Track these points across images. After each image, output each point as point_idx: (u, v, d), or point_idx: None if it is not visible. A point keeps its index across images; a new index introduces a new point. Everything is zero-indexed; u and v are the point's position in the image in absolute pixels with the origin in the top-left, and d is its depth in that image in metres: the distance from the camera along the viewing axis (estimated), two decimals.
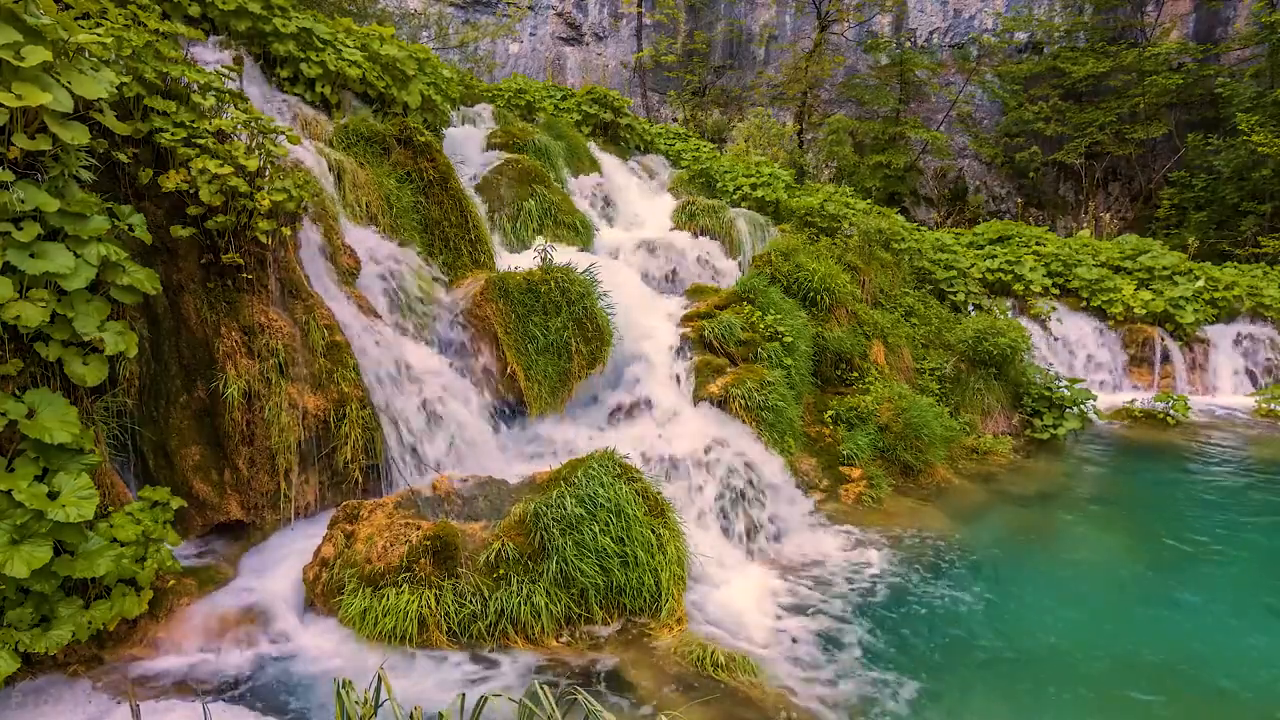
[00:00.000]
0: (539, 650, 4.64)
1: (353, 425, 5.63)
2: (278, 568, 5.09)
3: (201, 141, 5.19)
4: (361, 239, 6.87)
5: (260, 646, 4.51)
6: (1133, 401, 11.74)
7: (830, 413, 8.50)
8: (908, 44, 23.79)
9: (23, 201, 4.08)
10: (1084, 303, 14.53)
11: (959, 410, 9.77)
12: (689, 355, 8.00)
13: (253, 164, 5.24)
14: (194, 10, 7.42)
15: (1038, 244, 15.53)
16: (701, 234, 10.82)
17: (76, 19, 5.02)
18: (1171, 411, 11.24)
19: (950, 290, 12.58)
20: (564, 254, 7.99)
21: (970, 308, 12.63)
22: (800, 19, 24.96)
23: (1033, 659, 4.94)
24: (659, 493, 5.54)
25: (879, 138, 22.55)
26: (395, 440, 5.95)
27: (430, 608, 4.60)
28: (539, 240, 8.08)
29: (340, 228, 6.64)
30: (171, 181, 4.97)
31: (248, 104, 6.16)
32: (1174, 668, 4.89)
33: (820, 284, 9.44)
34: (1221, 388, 13.69)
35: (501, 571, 4.80)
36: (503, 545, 4.88)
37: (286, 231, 5.59)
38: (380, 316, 6.57)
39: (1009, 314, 13.23)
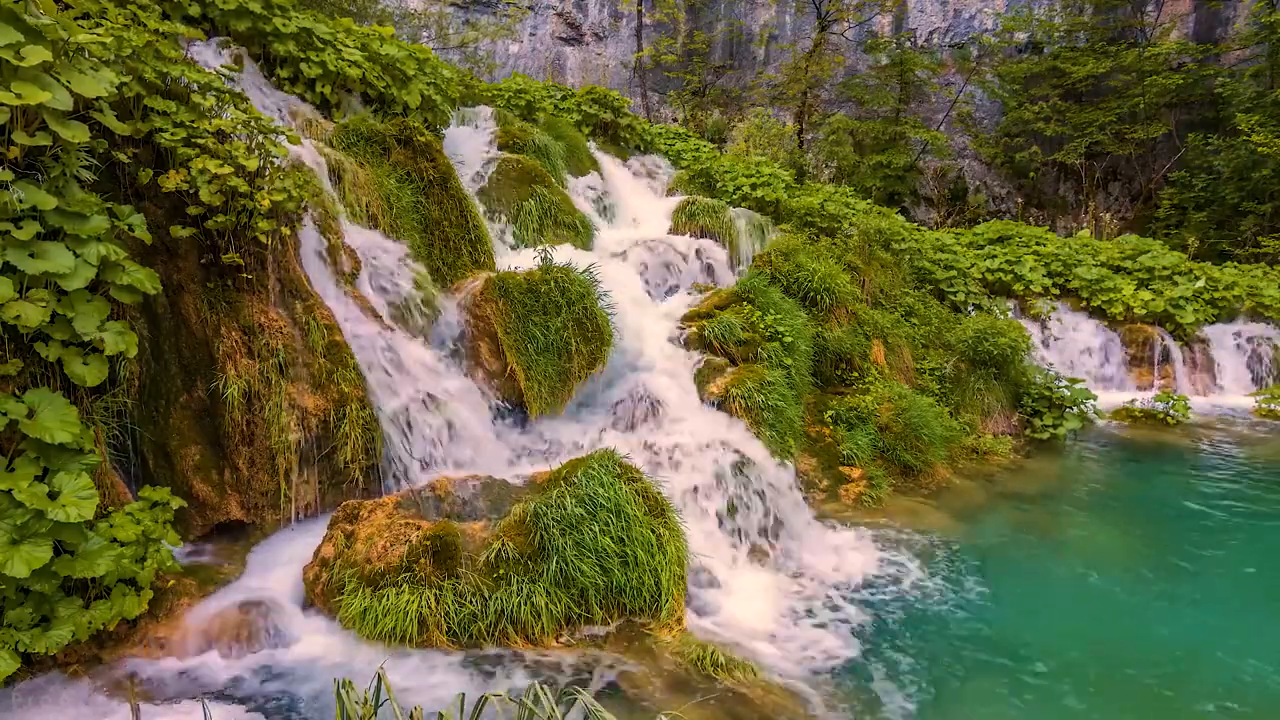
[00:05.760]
0: (539, 650, 4.64)
1: (353, 425, 5.63)
2: (278, 568, 5.09)
3: (201, 141, 5.19)
4: (361, 239, 6.87)
5: (260, 646, 4.51)
6: (1133, 401, 11.73)
7: (830, 413, 8.50)
8: (908, 44, 23.78)
9: (22, 201, 4.08)
10: (1084, 303, 14.52)
11: (959, 410, 9.77)
12: (689, 355, 8.00)
13: (253, 164, 5.24)
14: (194, 10, 7.42)
15: (1038, 244, 15.53)
16: (701, 234, 10.81)
17: (76, 19, 5.02)
18: (1171, 411, 11.24)
19: (950, 290, 12.58)
20: (564, 254, 7.99)
21: (970, 308, 12.63)
22: (800, 19, 24.95)
23: (1032, 658, 4.93)
24: (659, 493, 5.54)
25: (879, 138, 22.54)
26: (395, 440, 5.95)
27: (430, 608, 4.60)
28: (539, 240, 8.08)
29: (340, 228, 6.64)
30: (171, 181, 4.97)
31: (248, 104, 6.16)
32: (1173, 666, 4.88)
33: (820, 284, 9.43)
34: (1221, 388, 13.69)
35: (501, 571, 4.80)
36: (503, 545, 4.88)
37: (286, 231, 5.60)
38: (380, 316, 6.57)
39: (1009, 314, 13.23)
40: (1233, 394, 13.53)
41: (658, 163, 14.38)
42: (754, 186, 12.91)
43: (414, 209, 7.62)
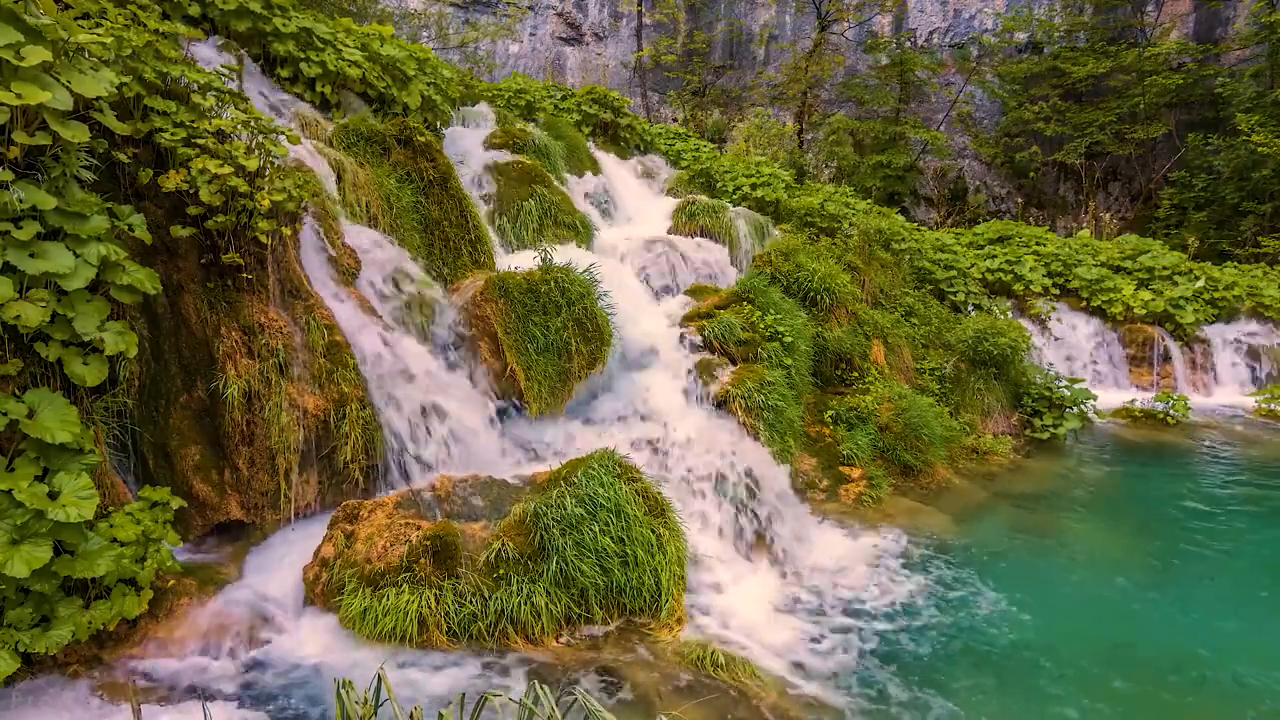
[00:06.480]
0: (539, 650, 4.64)
1: (353, 425, 5.63)
2: (278, 568, 5.08)
3: (201, 141, 5.19)
4: (361, 239, 6.87)
5: (260, 646, 4.51)
6: (1133, 401, 11.74)
7: (830, 413, 8.50)
8: (908, 44, 23.78)
9: (22, 201, 4.08)
10: (1084, 303, 14.53)
11: (959, 410, 9.77)
12: (689, 355, 8.00)
13: (253, 164, 5.24)
14: (194, 10, 7.41)
15: (1038, 244, 15.54)
16: (701, 234, 10.81)
17: (76, 19, 5.02)
18: (1171, 411, 11.24)
19: (950, 290, 12.58)
20: (564, 254, 7.98)
21: (970, 308, 12.63)
22: (800, 19, 24.95)
23: (1032, 658, 4.94)
24: (659, 492, 5.54)
25: (879, 138, 22.55)
26: (395, 440, 5.95)
27: (430, 608, 4.60)
28: (539, 240, 8.07)
29: (340, 228, 6.64)
30: (171, 181, 4.96)
31: (248, 104, 6.16)
32: (1173, 665, 4.89)
33: (820, 284, 9.43)
34: (1222, 388, 13.69)
35: (501, 571, 4.80)
36: (503, 545, 4.88)
37: (286, 231, 5.59)
38: (380, 316, 6.57)
39: (1009, 314, 13.23)
40: (1233, 394, 13.53)
41: (658, 163, 14.38)
42: (754, 186, 12.91)
43: (414, 209, 7.62)
